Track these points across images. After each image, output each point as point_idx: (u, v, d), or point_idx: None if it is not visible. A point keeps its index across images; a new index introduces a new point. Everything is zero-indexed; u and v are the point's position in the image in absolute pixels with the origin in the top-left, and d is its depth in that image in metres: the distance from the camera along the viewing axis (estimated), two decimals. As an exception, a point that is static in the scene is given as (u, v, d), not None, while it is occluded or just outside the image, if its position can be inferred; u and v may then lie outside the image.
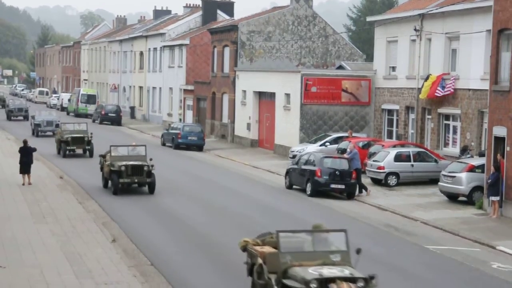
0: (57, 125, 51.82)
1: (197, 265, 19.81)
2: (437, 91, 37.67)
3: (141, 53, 76.32)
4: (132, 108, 77.76)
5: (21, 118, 68.59)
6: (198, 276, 18.76)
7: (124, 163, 30.10)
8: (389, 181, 35.11)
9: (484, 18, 33.94)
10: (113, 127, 64.97)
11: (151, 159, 30.87)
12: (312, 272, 14.37)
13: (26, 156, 31.61)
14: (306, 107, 45.11)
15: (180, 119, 63.58)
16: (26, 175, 31.43)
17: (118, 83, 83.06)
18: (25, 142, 32.59)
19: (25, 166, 31.49)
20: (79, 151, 43.12)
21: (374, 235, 25.11)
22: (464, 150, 35.07)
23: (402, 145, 37.73)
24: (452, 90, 37.09)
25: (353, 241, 23.56)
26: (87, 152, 43.05)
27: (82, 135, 42.86)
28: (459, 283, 19.47)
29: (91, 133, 43.52)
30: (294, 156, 39.48)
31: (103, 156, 31.92)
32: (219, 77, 57.92)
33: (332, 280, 14.10)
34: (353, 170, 32.53)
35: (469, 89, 36.25)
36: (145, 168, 30.17)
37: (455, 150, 37.37)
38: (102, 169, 32.02)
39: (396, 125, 42.89)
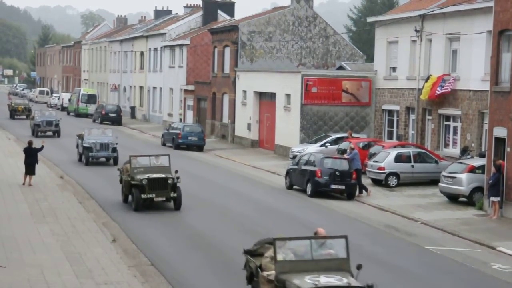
0: (114, 149, 40.06)
1: (197, 265, 19.80)
2: (436, 91, 37.69)
3: (142, 53, 76.33)
4: (133, 108, 77.78)
5: (51, 133, 54.80)
6: (198, 276, 18.76)
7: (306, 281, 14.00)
8: (389, 182, 35.10)
9: (484, 19, 33.94)
10: (114, 127, 64.97)
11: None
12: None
13: (30, 157, 31.44)
14: (306, 107, 45.10)
15: (181, 119, 63.58)
16: (28, 176, 31.29)
17: (118, 83, 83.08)
18: (30, 143, 32.36)
19: (30, 167, 31.32)
20: (160, 199, 27.48)
21: (374, 236, 25.10)
22: (465, 151, 35.07)
23: (403, 146, 37.72)
24: (449, 89, 37.05)
25: (353, 242, 23.57)
26: (172, 202, 27.77)
27: (164, 176, 27.35)
28: (459, 284, 19.46)
29: (177, 172, 27.82)
30: (294, 157, 39.47)
31: (251, 254, 16.40)
32: (219, 77, 57.92)
33: None
34: (353, 171, 32.52)
35: (470, 90, 36.24)
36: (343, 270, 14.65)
37: (455, 151, 37.36)
38: (251, 281, 16.10)
39: (396, 126, 42.88)
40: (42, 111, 58.13)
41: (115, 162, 39.50)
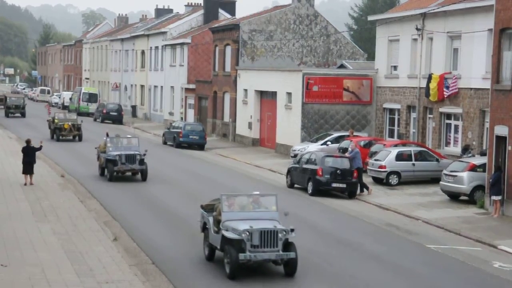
0: (287, 248, 18.87)
1: (198, 264, 19.80)
2: (444, 91, 37.68)
3: (143, 52, 76.34)
4: (134, 107, 77.81)
5: (130, 173, 34.95)
6: (199, 275, 18.77)
7: None
8: (390, 180, 35.08)
9: (485, 17, 33.93)
10: (115, 126, 64.97)
11: None
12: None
13: (28, 156, 31.29)
14: (307, 106, 45.09)
15: (182, 118, 63.57)
16: (28, 176, 31.19)
17: (119, 82, 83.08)
18: (28, 141, 32.25)
19: (28, 166, 31.16)
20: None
21: (375, 234, 25.09)
22: (466, 149, 35.06)
23: (404, 144, 37.71)
24: (456, 90, 37.07)
25: (354, 240, 23.66)
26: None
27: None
28: (460, 283, 19.45)
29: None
30: (295, 155, 39.46)
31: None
32: (220, 76, 57.92)
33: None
34: (355, 169, 32.51)
35: (471, 88, 36.24)
36: None
37: (456, 149, 37.36)
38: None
39: (397, 124, 42.88)
40: (117, 138, 35.85)
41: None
